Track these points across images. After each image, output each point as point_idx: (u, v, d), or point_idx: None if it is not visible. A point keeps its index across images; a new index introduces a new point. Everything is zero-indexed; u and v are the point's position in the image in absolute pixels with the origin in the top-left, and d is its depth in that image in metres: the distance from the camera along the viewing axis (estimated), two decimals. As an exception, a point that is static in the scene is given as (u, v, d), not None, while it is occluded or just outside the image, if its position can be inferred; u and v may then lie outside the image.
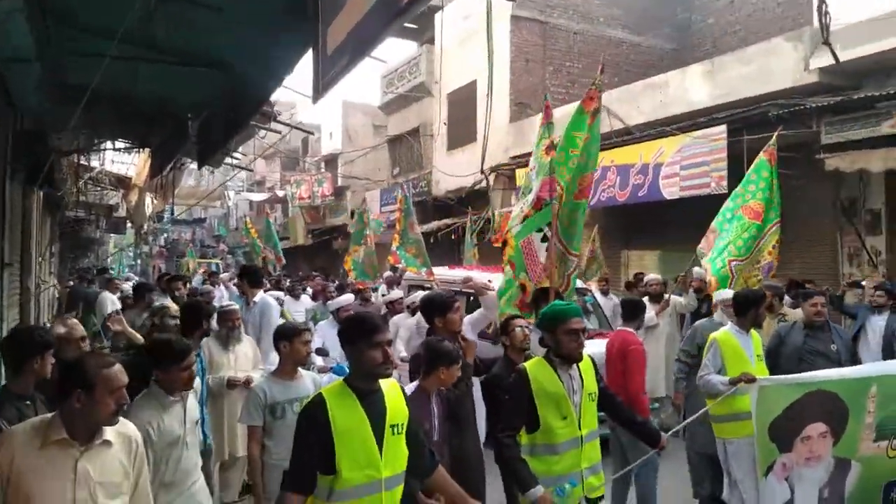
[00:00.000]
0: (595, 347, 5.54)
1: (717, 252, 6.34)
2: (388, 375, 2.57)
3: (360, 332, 2.47)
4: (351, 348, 2.51)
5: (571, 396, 3.19)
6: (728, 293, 5.46)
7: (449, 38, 16.74)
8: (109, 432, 2.36)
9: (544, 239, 5.16)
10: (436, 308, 3.98)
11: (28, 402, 2.89)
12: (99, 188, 14.10)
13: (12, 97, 5.22)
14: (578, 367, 3.28)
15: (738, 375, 4.13)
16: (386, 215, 18.64)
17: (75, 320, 4.14)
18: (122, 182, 13.46)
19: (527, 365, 3.32)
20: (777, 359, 5.13)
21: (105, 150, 10.23)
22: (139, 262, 32.20)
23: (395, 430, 2.50)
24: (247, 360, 5.03)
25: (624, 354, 4.73)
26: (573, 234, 5.32)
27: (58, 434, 2.24)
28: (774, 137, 6.69)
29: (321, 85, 2.99)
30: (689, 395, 5.17)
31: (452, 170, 15.81)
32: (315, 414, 2.41)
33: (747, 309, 4.56)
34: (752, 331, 4.61)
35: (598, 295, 8.79)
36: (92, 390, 2.25)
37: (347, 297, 7.36)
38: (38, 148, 5.75)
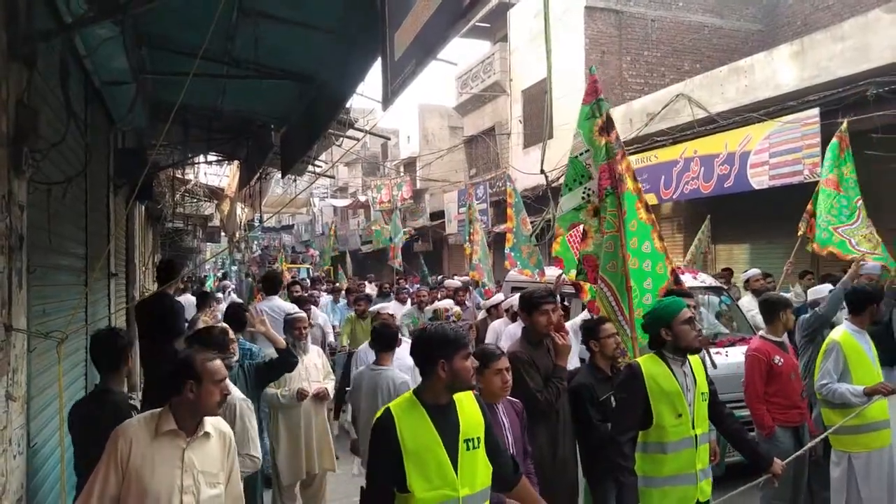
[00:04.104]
0: (737, 357, 4.96)
1: (819, 230, 5.96)
2: (473, 387, 2.45)
3: (440, 344, 2.35)
4: (427, 359, 2.37)
5: (685, 394, 3.09)
6: (827, 288, 5.12)
7: (522, 34, 16.68)
8: (209, 426, 2.57)
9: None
10: (522, 306, 3.84)
11: (131, 395, 3.15)
12: (194, 200, 14.96)
13: (113, 117, 5.62)
14: (690, 364, 3.18)
15: (874, 385, 3.78)
16: (463, 216, 18.73)
17: (224, 324, 4.38)
18: (215, 193, 14.25)
19: (640, 361, 3.21)
20: None
21: (198, 163, 10.85)
22: (236, 268, 33.95)
23: (471, 444, 2.35)
24: (317, 370, 4.88)
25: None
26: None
27: (168, 425, 2.45)
28: (845, 125, 6.26)
29: (390, 91, 3.06)
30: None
31: (529, 168, 15.69)
32: (384, 431, 2.30)
33: (864, 305, 4.13)
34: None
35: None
36: (200, 381, 2.47)
37: (446, 302, 7.46)
38: (138, 163, 6.16)
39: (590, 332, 3.85)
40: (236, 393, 3.51)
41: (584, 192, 4.34)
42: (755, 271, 7.95)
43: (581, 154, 4.36)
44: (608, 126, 4.18)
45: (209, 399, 2.48)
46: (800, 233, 6.22)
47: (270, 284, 7.06)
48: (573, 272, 4.58)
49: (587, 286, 4.48)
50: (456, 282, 10.75)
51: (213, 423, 2.60)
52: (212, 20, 3.09)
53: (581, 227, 4.46)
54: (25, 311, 2.92)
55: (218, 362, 2.57)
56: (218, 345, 3.67)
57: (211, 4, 3.19)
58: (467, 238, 9.46)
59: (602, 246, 4.17)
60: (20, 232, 2.78)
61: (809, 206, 6.14)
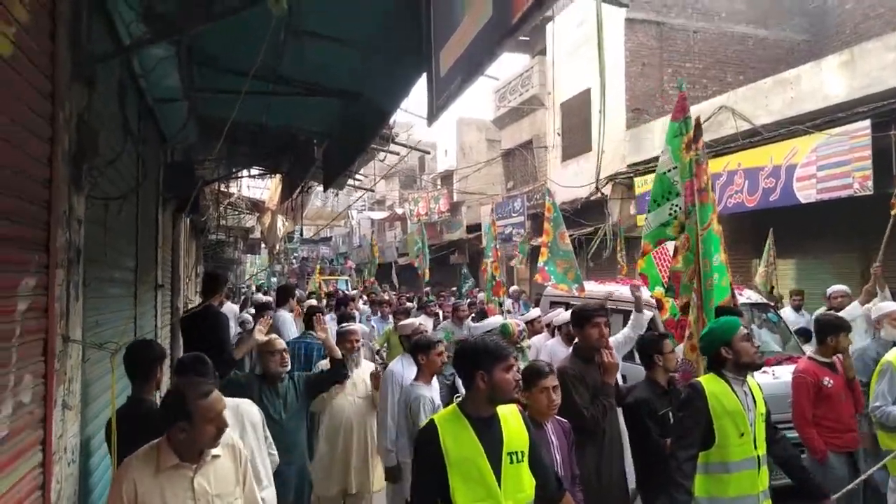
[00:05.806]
0: (786, 375, 4.75)
1: None
2: (514, 400, 2.45)
3: (480, 356, 2.37)
4: (468, 371, 2.40)
5: (747, 413, 3.05)
6: (890, 305, 4.90)
7: (561, 47, 16.63)
8: (215, 449, 2.51)
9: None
10: (573, 321, 3.90)
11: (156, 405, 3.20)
12: (237, 212, 15.28)
13: (164, 134, 5.79)
14: (748, 384, 3.15)
15: None
16: (500, 229, 18.68)
17: (275, 334, 4.46)
18: (256, 206, 14.53)
19: (701, 380, 3.19)
20: None
21: (241, 177, 11.09)
22: (275, 280, 34.55)
23: (515, 458, 2.36)
24: (366, 387, 4.77)
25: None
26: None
27: (171, 461, 2.40)
28: None
29: (435, 108, 3.08)
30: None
31: (567, 181, 15.59)
32: (428, 442, 2.32)
33: None
34: None
35: (788, 311, 7.89)
36: (192, 420, 2.37)
37: (496, 319, 7.42)
38: (185, 178, 6.32)
39: (653, 345, 3.87)
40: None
41: (671, 209, 4.38)
42: (842, 288, 7.32)
43: (669, 171, 4.42)
44: (696, 137, 4.20)
45: (203, 437, 2.38)
46: (894, 211, 5.25)
47: (282, 297, 7.23)
48: (659, 289, 4.66)
49: (668, 304, 4.51)
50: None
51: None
52: (259, 39, 3.16)
53: (668, 243, 4.54)
54: (81, 322, 3.01)
55: (214, 396, 2.43)
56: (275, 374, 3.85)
57: (260, 24, 3.27)
58: (489, 254, 9.42)
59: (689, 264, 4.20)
60: (78, 246, 2.87)
61: None
